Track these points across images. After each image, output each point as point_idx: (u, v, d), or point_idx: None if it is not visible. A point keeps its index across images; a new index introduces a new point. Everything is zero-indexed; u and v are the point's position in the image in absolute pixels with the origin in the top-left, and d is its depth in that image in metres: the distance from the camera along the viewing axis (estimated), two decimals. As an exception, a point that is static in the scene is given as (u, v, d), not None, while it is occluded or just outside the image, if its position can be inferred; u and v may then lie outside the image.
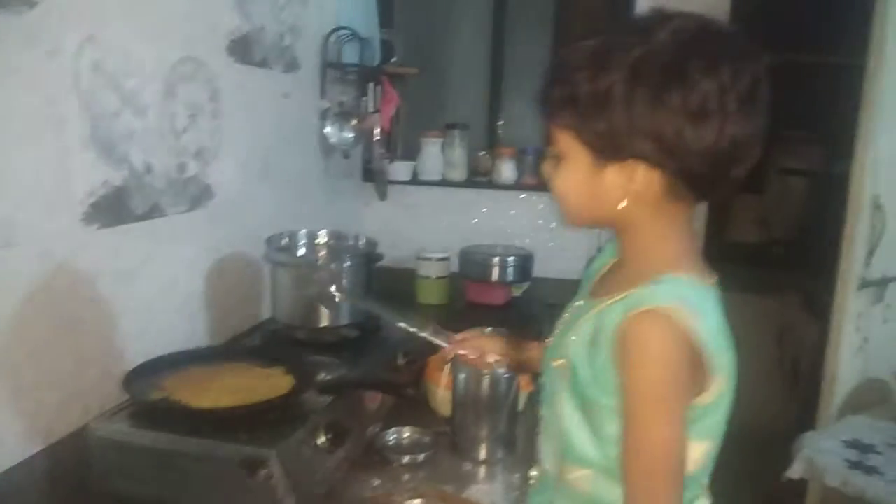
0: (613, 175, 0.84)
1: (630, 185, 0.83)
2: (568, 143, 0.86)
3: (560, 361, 0.93)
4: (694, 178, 0.83)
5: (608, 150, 0.83)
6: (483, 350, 1.20)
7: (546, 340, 1.04)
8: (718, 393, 0.83)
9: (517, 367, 1.23)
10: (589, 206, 0.89)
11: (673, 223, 0.88)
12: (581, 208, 0.90)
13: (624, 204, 0.85)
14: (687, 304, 0.79)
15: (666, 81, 0.77)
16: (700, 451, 0.87)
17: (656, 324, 0.78)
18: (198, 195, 1.49)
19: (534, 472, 1.07)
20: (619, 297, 0.84)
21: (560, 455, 0.94)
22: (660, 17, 0.81)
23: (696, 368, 0.80)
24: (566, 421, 0.91)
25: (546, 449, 0.99)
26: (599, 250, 1.08)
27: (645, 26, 0.81)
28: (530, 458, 1.23)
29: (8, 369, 1.04)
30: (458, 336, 1.23)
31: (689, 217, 0.89)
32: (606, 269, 1.01)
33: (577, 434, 0.90)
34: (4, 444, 1.05)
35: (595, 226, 1.00)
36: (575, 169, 0.87)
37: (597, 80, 0.80)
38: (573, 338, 0.90)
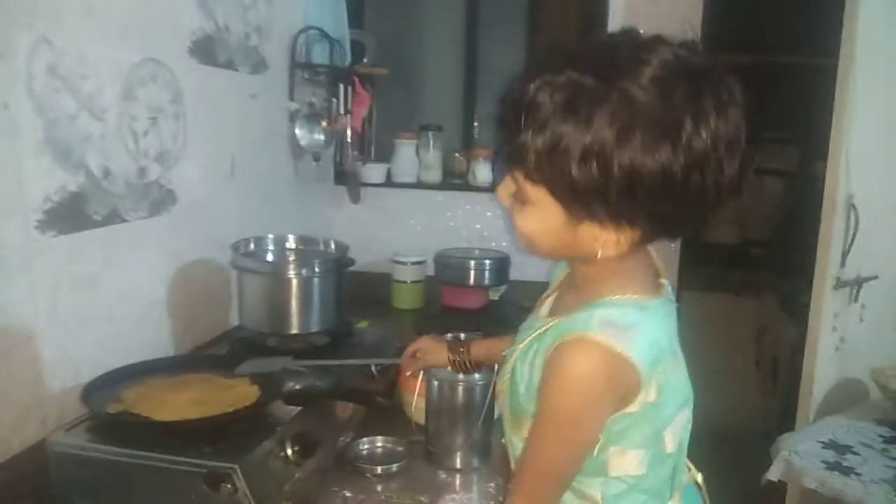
0: (589, 230, 0.81)
1: (607, 238, 0.81)
2: (538, 194, 0.81)
3: (505, 381, 0.95)
4: (678, 225, 0.83)
5: (589, 213, 0.79)
6: (427, 362, 1.33)
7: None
8: (646, 403, 0.82)
9: (464, 369, 1.30)
10: (556, 249, 0.87)
11: (633, 255, 0.87)
12: (546, 250, 0.88)
13: (600, 253, 0.83)
14: (618, 325, 0.80)
15: (657, 144, 0.73)
16: (635, 459, 0.87)
17: (580, 351, 0.79)
18: (160, 200, 1.45)
19: None
20: (557, 321, 0.86)
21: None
22: (633, 53, 0.75)
23: (620, 386, 0.80)
24: (513, 437, 0.94)
25: (512, 459, 0.99)
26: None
27: (619, 66, 0.74)
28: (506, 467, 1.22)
29: (-42, 383, 1.00)
30: (408, 350, 1.35)
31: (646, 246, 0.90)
32: (564, 276, 1.02)
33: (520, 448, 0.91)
34: (-45, 462, 1.01)
35: (554, 260, 1.01)
36: (543, 218, 0.83)
37: (577, 138, 0.73)
38: (517, 358, 0.92)
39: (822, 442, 1.90)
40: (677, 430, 0.89)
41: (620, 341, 0.78)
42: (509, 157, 0.81)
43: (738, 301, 3.31)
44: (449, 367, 1.31)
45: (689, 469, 1.02)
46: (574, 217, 0.81)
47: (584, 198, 0.77)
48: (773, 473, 1.85)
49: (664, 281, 0.94)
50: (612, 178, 0.74)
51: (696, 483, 1.02)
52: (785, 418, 2.45)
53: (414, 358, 1.35)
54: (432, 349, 1.34)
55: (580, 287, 0.91)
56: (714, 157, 0.75)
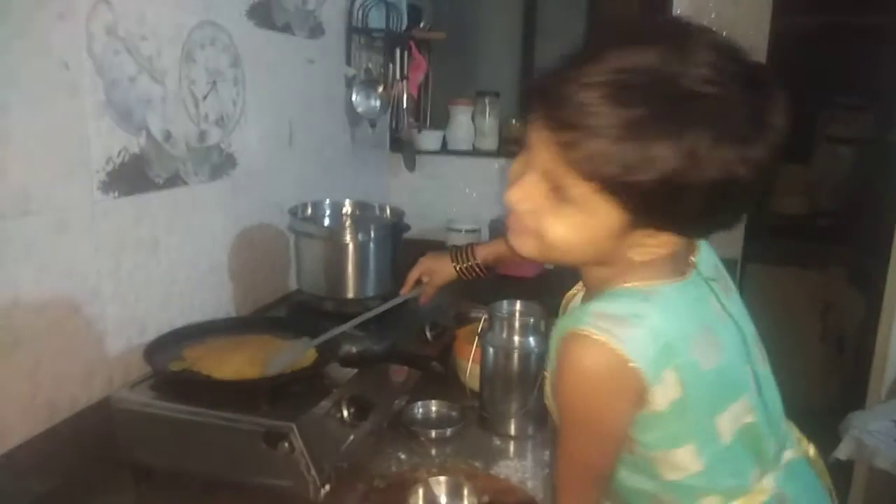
0: (640, 236, 0.75)
1: (655, 243, 0.76)
2: (590, 195, 0.71)
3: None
4: (726, 225, 0.76)
5: (653, 220, 0.73)
6: (436, 282, 1.33)
7: None
8: (672, 400, 0.76)
9: (474, 275, 1.31)
10: (584, 257, 0.80)
11: None
12: (572, 257, 0.80)
13: (639, 259, 0.77)
14: (614, 318, 0.74)
15: (740, 149, 0.67)
16: (687, 456, 0.81)
17: (573, 348, 0.75)
18: (220, 164, 1.46)
19: None
20: (565, 314, 0.84)
21: None
22: (678, 50, 0.67)
23: (623, 386, 0.75)
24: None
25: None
26: None
27: (669, 61, 0.67)
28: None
29: (28, 339, 1.03)
30: (411, 276, 1.36)
31: None
32: None
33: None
34: (27, 414, 1.04)
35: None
36: (588, 223, 0.73)
37: (669, 138, 0.66)
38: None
39: (896, 421, 1.82)
40: (732, 421, 0.82)
41: (615, 336, 0.73)
42: (566, 147, 0.69)
43: (804, 274, 3.19)
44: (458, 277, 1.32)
45: (801, 441, 0.97)
46: (632, 223, 0.73)
47: (657, 202, 0.69)
48: (843, 452, 1.78)
49: (694, 258, 0.86)
50: (695, 184, 0.67)
51: (808, 457, 0.96)
52: (852, 395, 2.35)
53: (420, 284, 1.35)
54: (436, 266, 1.33)
55: (591, 278, 0.87)
56: (773, 162, 0.71)
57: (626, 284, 0.79)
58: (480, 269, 1.30)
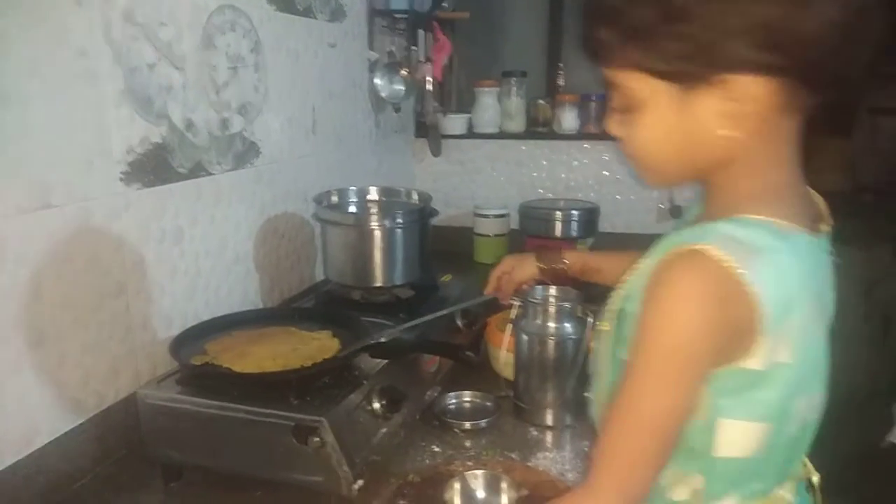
0: (705, 101, 0.68)
1: (728, 106, 0.67)
2: (638, 85, 0.70)
3: (605, 325, 0.80)
4: (810, 72, 0.65)
5: (692, 70, 0.66)
6: (516, 278, 1.26)
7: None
8: (775, 362, 0.67)
9: (555, 278, 1.23)
10: (681, 154, 0.72)
11: (779, 148, 0.71)
12: (671, 160, 0.74)
13: (724, 132, 0.68)
14: (744, 244, 0.64)
15: None
16: (753, 434, 0.71)
17: (693, 266, 0.64)
18: (243, 153, 1.43)
19: None
20: (676, 232, 0.71)
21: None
22: None
23: (733, 316, 0.64)
24: (604, 388, 0.80)
25: (596, 417, 0.86)
26: (689, 203, 0.94)
27: None
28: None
29: (53, 335, 1.01)
30: (493, 274, 1.29)
31: (795, 142, 0.72)
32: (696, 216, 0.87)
33: None
34: (53, 411, 1.03)
35: (686, 180, 0.80)
36: (654, 115, 0.71)
37: None
38: (619, 293, 0.77)
39: (950, 403, 1.73)
40: (807, 410, 0.74)
41: (741, 261, 0.63)
42: (599, 61, 0.72)
43: (847, 251, 3.07)
44: (539, 277, 1.25)
45: (805, 465, 0.86)
46: (683, 87, 0.68)
47: (679, 41, 0.65)
48: (897, 436, 1.71)
49: (825, 227, 0.77)
50: (716, 5, 0.63)
51: (811, 483, 0.85)
52: (899, 378, 2.27)
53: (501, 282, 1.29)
54: (518, 263, 1.27)
55: (710, 209, 0.75)
56: None
57: (757, 215, 0.68)
58: (565, 274, 1.22)
